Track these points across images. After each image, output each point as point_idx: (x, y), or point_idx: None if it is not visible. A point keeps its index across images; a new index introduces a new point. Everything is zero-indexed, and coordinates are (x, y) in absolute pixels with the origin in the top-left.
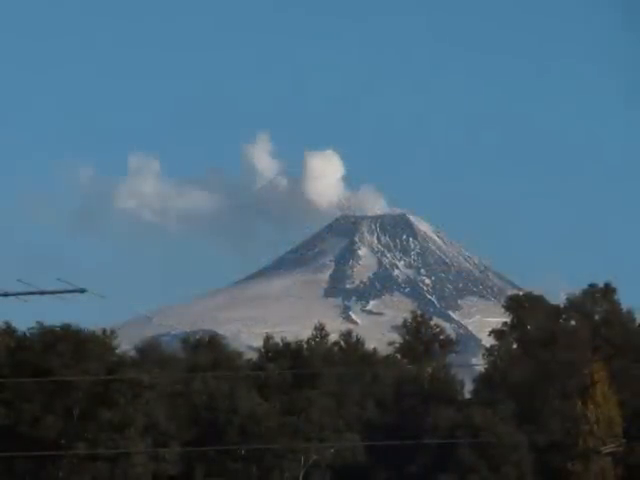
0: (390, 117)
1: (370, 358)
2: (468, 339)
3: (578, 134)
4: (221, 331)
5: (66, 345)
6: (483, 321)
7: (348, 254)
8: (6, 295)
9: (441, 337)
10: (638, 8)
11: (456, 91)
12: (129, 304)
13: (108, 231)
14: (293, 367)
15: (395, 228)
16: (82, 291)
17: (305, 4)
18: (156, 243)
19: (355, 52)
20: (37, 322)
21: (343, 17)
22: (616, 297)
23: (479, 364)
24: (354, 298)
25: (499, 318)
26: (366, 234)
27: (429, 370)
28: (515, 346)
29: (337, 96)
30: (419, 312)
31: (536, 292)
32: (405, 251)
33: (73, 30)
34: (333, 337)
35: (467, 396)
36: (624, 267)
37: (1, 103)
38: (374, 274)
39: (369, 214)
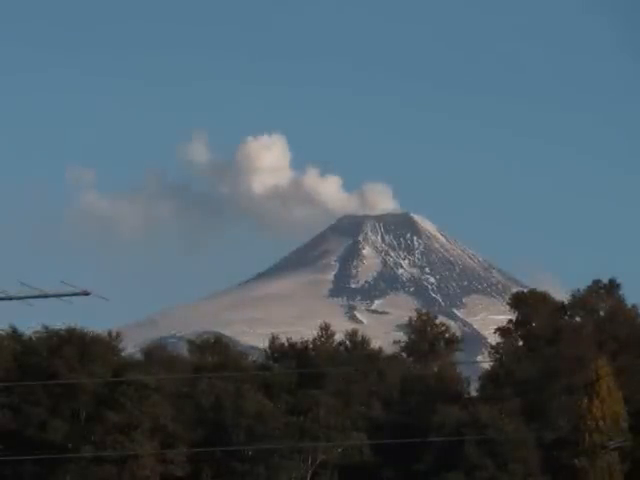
0: (392, 117)
1: (375, 357)
2: (473, 337)
3: (580, 134)
4: (226, 332)
5: (72, 348)
6: (488, 319)
7: (352, 254)
8: (10, 299)
9: (446, 335)
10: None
11: (459, 88)
12: (134, 306)
13: (114, 234)
14: (299, 367)
15: (399, 227)
16: (86, 294)
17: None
18: (159, 244)
19: (356, 52)
20: (43, 326)
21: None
22: (620, 293)
23: (484, 361)
24: (359, 298)
25: (504, 315)
26: (370, 234)
27: (435, 368)
28: (520, 343)
29: (337, 99)
30: (424, 311)
31: (540, 289)
32: (409, 250)
33: None
34: (338, 337)
35: (473, 394)
36: (628, 263)
37: None
38: (378, 273)
39: (372, 213)
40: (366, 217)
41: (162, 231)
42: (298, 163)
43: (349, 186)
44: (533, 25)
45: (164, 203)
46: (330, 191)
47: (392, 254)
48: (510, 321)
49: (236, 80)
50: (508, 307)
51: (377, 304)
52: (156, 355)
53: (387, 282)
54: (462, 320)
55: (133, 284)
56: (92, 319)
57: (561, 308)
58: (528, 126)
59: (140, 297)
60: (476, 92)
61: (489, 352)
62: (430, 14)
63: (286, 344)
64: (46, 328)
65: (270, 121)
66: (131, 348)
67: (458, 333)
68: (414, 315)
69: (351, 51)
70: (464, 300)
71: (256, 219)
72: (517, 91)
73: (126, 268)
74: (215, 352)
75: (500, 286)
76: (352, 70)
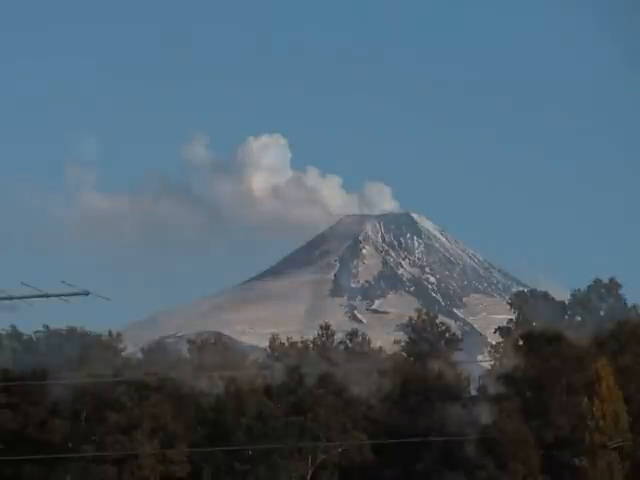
0: (392, 117)
1: (376, 356)
2: (473, 336)
3: (580, 134)
4: (226, 332)
5: (72, 348)
6: (488, 318)
7: (353, 254)
8: (11, 299)
9: (447, 335)
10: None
11: (459, 88)
12: (134, 306)
13: (114, 234)
14: (299, 367)
15: (399, 227)
16: (86, 294)
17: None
18: (159, 244)
19: (356, 52)
20: (43, 326)
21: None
22: (620, 293)
23: (485, 361)
24: (359, 297)
25: (504, 315)
26: (370, 234)
27: (435, 368)
28: (520, 343)
29: (337, 99)
30: (424, 310)
31: (540, 289)
32: (409, 250)
33: None
34: (339, 337)
35: (473, 393)
36: (628, 263)
37: None
38: (379, 273)
39: (373, 213)
40: (366, 217)
41: (162, 231)
42: (298, 163)
43: (349, 186)
44: (533, 26)
45: (164, 203)
46: (330, 191)
47: (392, 254)
48: (510, 321)
49: (236, 80)
50: (508, 307)
51: (377, 304)
52: (156, 355)
53: (387, 282)
54: (462, 319)
55: (133, 284)
56: (92, 319)
57: (561, 308)
58: (528, 126)
59: (140, 297)
60: (476, 92)
61: (489, 352)
62: (431, 15)
63: (286, 344)
64: (47, 328)
65: (270, 121)
66: (131, 348)
67: (458, 333)
68: (414, 315)
69: (351, 51)
70: (464, 300)
71: (256, 219)
72: (517, 92)
73: (126, 268)
74: (215, 352)
75: (500, 286)
76: (352, 70)
